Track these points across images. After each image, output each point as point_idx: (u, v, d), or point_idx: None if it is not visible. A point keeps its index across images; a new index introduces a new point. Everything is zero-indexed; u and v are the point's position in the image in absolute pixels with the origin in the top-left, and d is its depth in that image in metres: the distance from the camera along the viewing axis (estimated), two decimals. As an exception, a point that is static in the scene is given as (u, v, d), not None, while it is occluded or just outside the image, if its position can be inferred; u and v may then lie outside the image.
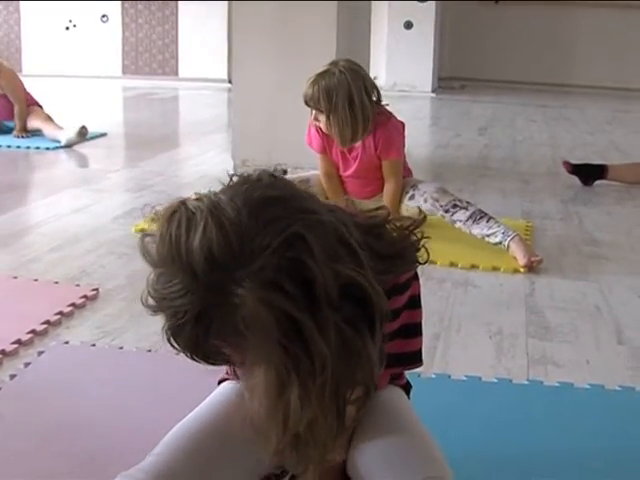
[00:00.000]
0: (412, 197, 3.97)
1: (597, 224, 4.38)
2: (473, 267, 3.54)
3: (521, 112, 9.26)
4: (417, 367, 1.73)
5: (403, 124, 3.98)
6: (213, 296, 1.21)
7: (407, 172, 4.10)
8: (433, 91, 10.68)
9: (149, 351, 2.64)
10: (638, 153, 6.62)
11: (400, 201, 3.97)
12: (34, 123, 6.50)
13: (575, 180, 5.32)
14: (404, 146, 4.01)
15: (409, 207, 3.92)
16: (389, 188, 3.94)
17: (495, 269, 3.52)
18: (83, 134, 6.29)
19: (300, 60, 5.06)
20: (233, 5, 5.44)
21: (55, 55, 10.42)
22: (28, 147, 6.16)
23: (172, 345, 1.29)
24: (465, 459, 1.97)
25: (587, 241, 4.05)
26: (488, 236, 3.71)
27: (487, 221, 3.76)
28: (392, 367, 1.60)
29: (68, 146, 6.17)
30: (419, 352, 1.70)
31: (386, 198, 3.93)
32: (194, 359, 1.32)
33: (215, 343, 1.27)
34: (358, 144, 3.89)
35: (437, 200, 3.88)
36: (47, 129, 6.40)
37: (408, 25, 10.68)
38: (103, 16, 10.79)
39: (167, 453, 1.54)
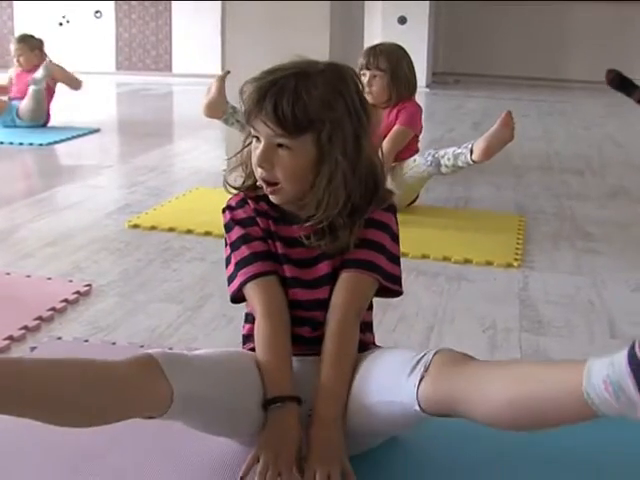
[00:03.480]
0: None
1: (590, 218, 4.38)
2: (467, 262, 3.54)
3: (515, 107, 9.22)
4: (400, 292, 2.02)
5: (421, 108, 4.27)
6: None
7: (412, 152, 4.19)
8: (427, 86, 10.68)
9: (141, 347, 2.63)
10: (634, 146, 6.62)
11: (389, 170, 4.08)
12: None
13: (569, 174, 5.32)
14: (420, 129, 4.27)
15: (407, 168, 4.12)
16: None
17: (488, 263, 3.52)
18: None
19: (292, 57, 5.04)
20: (226, 2, 5.42)
21: (48, 51, 10.35)
22: (21, 143, 6.14)
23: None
24: (459, 452, 1.97)
25: (580, 235, 4.05)
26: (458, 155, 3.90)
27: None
28: (385, 283, 1.95)
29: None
30: (400, 278, 2.01)
31: None
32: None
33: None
34: (384, 115, 4.15)
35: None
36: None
37: (402, 20, 10.67)
38: (97, 12, 10.78)
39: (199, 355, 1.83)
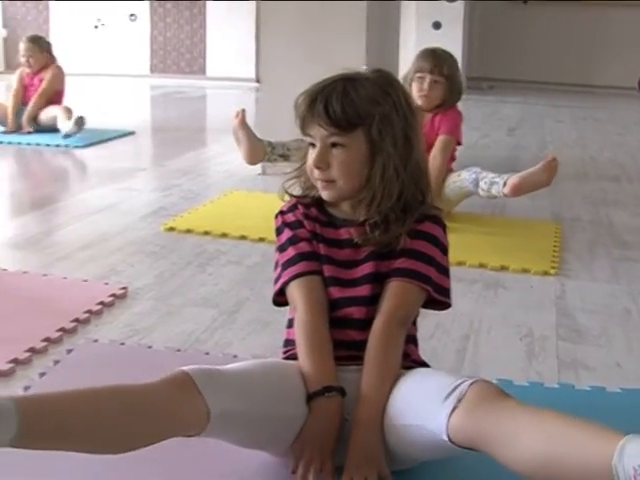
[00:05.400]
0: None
1: (627, 226, 4.34)
2: (503, 268, 3.51)
3: (550, 113, 9.21)
4: (448, 305, 2.05)
5: (462, 116, 4.28)
6: None
7: (451, 160, 4.25)
8: (461, 91, 10.61)
9: (178, 351, 2.63)
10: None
11: (441, 183, 4.07)
12: (51, 112, 6.52)
13: (604, 181, 5.28)
14: (461, 137, 4.26)
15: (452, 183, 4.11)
16: (435, 164, 3.97)
17: (525, 271, 3.50)
18: (80, 124, 6.23)
19: (328, 61, 5.03)
20: (260, 5, 5.43)
21: (84, 54, 10.45)
22: (58, 145, 6.17)
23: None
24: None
25: (617, 243, 4.01)
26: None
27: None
28: (435, 295, 1.99)
29: (67, 136, 6.17)
30: (449, 290, 2.04)
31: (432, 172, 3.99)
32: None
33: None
34: (427, 119, 4.12)
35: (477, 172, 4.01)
36: (60, 120, 6.38)
37: (436, 25, 10.64)
38: (131, 15, 10.82)
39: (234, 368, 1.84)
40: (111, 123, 6.74)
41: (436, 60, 4.13)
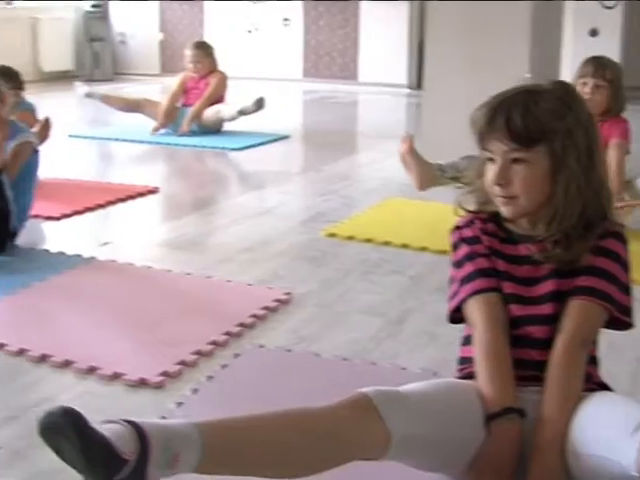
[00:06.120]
0: None
1: None
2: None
3: None
4: (630, 325, 1.95)
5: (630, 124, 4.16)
6: None
7: None
8: (619, 101, 10.32)
9: (345, 360, 2.59)
10: None
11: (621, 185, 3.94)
12: (213, 110, 6.64)
13: None
14: (630, 143, 4.12)
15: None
16: (612, 167, 3.86)
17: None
18: (259, 104, 6.43)
19: (493, 69, 4.93)
20: (428, 14, 5.34)
21: (237, 57, 10.54)
22: (214, 147, 6.24)
23: None
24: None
25: None
26: None
27: None
28: (617, 314, 1.90)
29: (242, 113, 6.33)
30: (631, 309, 1.94)
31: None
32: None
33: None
34: None
35: None
36: (225, 109, 6.61)
37: (593, 32, 10.37)
38: (285, 19, 10.88)
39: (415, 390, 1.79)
40: (266, 127, 6.75)
41: (599, 65, 4.05)
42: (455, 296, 1.98)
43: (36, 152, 3.76)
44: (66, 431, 1.50)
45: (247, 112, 6.48)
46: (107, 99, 7.23)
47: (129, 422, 1.57)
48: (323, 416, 1.67)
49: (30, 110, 4.98)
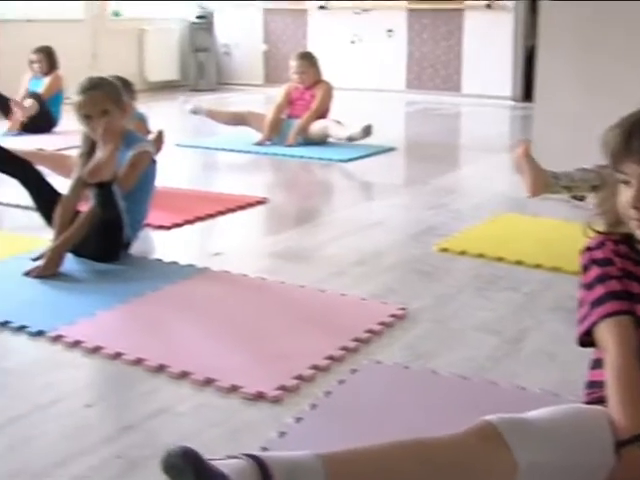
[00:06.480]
0: None
1: None
2: None
3: None
4: None
5: None
6: None
7: None
8: None
9: (463, 378, 2.54)
10: None
11: None
12: (320, 124, 6.66)
13: None
14: None
15: None
16: None
17: None
18: (367, 132, 6.40)
19: (610, 89, 4.81)
20: (540, 27, 5.24)
21: (340, 68, 10.56)
22: (320, 158, 6.24)
23: None
24: None
25: None
26: None
27: None
28: None
29: (351, 139, 6.31)
30: None
31: None
32: None
33: None
34: None
35: None
36: (333, 128, 6.61)
37: None
38: (389, 30, 10.86)
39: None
40: (371, 138, 6.72)
41: None
42: (585, 319, 1.93)
43: (154, 162, 3.79)
44: (186, 474, 1.52)
45: (355, 139, 6.47)
46: (212, 114, 7.31)
47: (251, 456, 1.57)
48: (449, 445, 1.65)
49: (142, 120, 5.05)
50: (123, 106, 3.69)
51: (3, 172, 3.88)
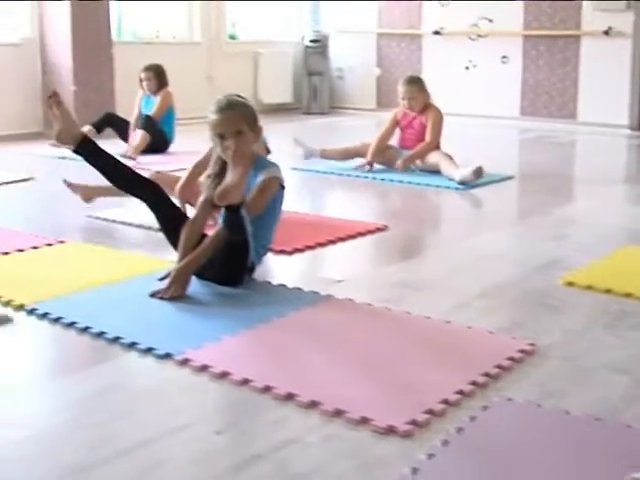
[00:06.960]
0: None
1: None
2: None
3: None
4: None
5: None
6: None
7: None
8: None
9: (597, 419, 2.47)
10: None
11: None
12: (433, 158, 6.58)
13: None
14: None
15: None
16: None
17: None
18: (478, 174, 6.22)
19: None
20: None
21: (454, 94, 10.51)
22: (438, 185, 6.19)
23: None
24: None
25: None
26: None
27: None
28: None
29: (462, 183, 6.16)
30: None
31: None
32: None
33: None
34: None
35: None
36: (444, 165, 6.45)
37: None
38: (503, 57, 10.78)
39: None
40: (488, 166, 6.64)
41: None
42: None
43: (282, 188, 3.79)
44: None
45: (466, 183, 6.18)
46: (326, 154, 7.18)
47: None
48: None
49: (264, 143, 5.07)
50: (257, 129, 3.68)
51: (135, 196, 3.88)
